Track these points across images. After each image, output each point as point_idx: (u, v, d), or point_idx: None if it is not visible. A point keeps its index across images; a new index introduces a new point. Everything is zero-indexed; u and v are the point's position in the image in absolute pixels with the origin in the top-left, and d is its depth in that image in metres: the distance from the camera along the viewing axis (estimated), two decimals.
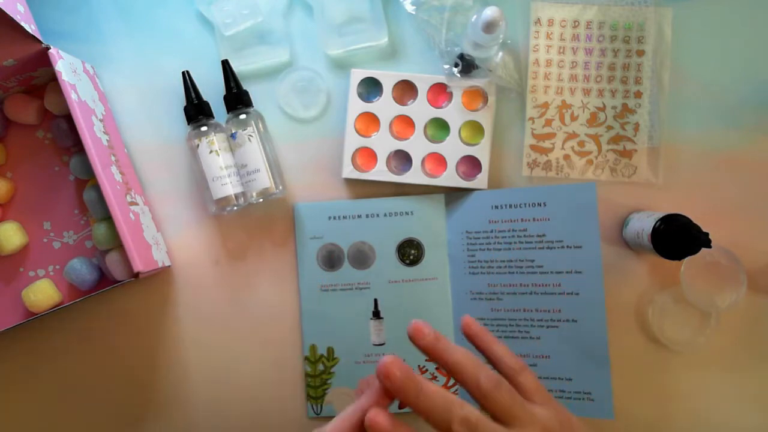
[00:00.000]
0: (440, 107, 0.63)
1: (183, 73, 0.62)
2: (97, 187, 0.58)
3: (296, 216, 0.64)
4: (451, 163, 0.63)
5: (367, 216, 0.64)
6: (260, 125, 0.62)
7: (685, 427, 0.63)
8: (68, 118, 0.61)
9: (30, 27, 0.54)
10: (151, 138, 0.65)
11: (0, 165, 0.65)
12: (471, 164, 0.63)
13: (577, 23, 0.63)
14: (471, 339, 0.43)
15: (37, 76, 0.62)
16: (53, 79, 0.61)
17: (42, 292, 0.61)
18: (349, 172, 0.63)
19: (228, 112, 0.62)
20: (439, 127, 0.63)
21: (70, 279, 0.61)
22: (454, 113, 0.63)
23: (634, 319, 0.63)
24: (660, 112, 0.62)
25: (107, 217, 0.59)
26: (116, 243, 0.60)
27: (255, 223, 0.65)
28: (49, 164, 0.65)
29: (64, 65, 0.57)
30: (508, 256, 0.61)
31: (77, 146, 0.64)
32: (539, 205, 0.61)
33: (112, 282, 0.61)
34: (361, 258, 0.64)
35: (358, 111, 0.63)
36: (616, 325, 0.62)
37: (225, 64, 0.61)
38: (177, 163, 0.65)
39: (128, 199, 0.59)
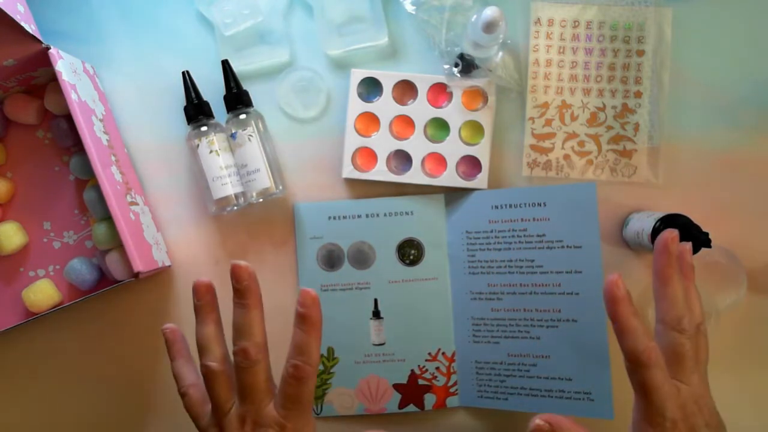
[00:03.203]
0: (440, 107, 0.63)
1: (183, 73, 0.62)
2: (97, 187, 0.58)
3: (296, 216, 0.64)
4: (451, 163, 0.63)
5: (367, 216, 0.64)
6: (260, 125, 0.62)
7: None
8: (68, 118, 0.61)
9: (30, 27, 0.54)
10: (151, 138, 0.65)
11: (0, 165, 0.65)
12: (471, 164, 0.63)
13: (577, 23, 0.63)
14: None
15: (37, 76, 0.62)
16: (53, 79, 0.61)
17: (42, 292, 0.61)
18: (349, 172, 0.63)
19: (228, 112, 0.62)
20: (439, 127, 0.63)
21: (70, 279, 0.61)
22: (454, 113, 0.63)
23: None
24: (660, 112, 0.62)
25: (107, 217, 0.59)
26: (116, 243, 0.60)
27: (255, 223, 0.65)
28: (49, 164, 0.65)
29: (64, 65, 0.57)
30: (508, 256, 0.61)
31: (77, 146, 0.64)
32: (539, 205, 0.61)
33: (112, 282, 0.61)
34: (361, 258, 0.64)
35: (358, 111, 0.63)
36: None
37: (225, 64, 0.61)
38: (177, 163, 0.65)
39: (128, 199, 0.59)
